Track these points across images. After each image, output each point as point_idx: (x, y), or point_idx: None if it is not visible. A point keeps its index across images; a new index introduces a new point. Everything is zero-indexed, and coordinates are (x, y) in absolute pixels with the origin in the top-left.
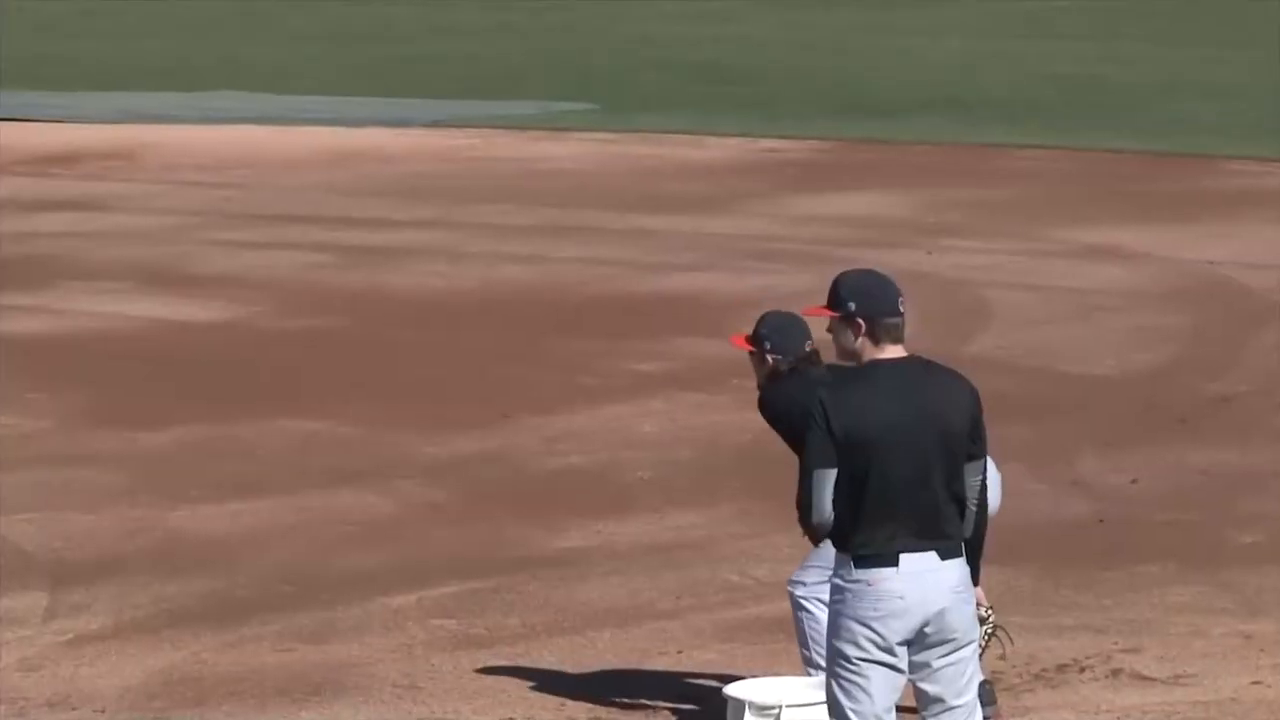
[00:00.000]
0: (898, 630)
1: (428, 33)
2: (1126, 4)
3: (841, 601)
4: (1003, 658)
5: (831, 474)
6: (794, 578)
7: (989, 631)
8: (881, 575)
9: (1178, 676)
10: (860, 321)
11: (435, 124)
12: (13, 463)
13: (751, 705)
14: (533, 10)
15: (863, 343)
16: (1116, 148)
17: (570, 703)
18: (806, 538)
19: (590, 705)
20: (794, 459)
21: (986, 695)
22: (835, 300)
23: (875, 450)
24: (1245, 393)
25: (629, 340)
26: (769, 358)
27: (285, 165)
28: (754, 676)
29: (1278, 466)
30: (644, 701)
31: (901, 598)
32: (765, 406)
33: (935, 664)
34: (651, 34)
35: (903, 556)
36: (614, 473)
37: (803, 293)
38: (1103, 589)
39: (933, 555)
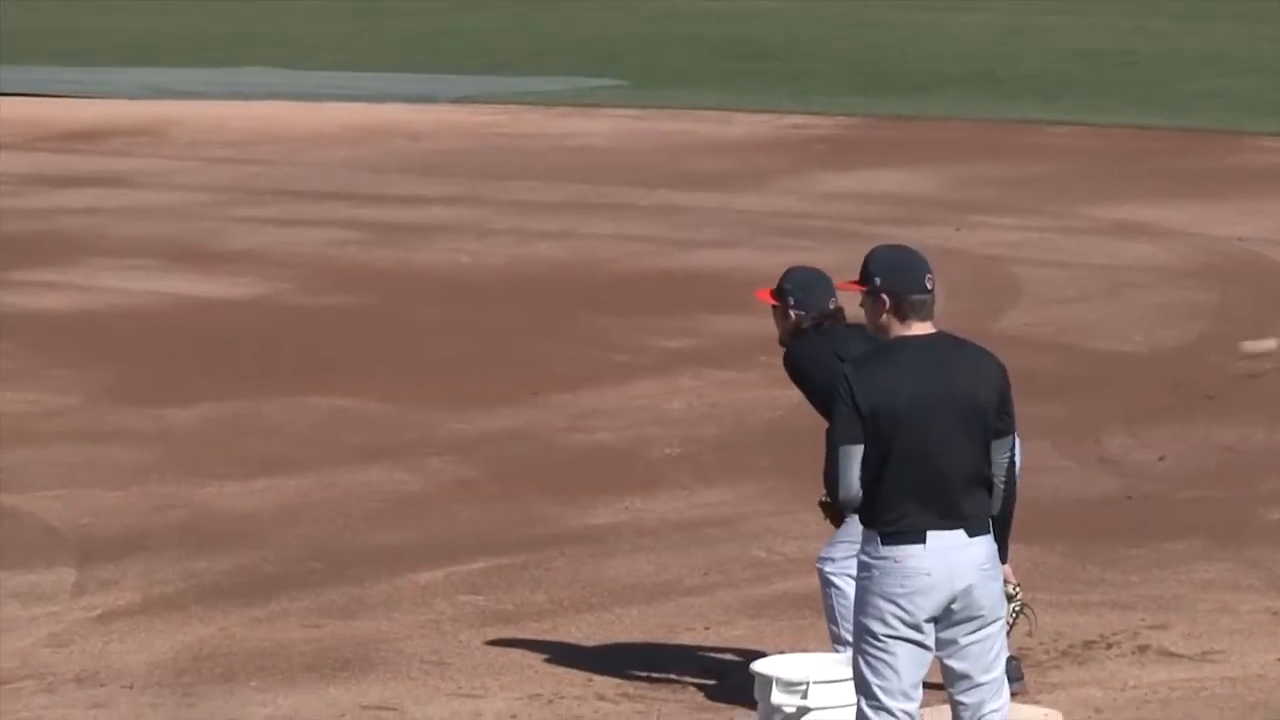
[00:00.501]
0: (925, 607)
1: (455, 8)
2: None
3: (869, 578)
4: (1030, 634)
5: (858, 450)
6: (822, 554)
7: (1016, 608)
8: (909, 552)
9: (1205, 653)
10: (885, 297)
11: (462, 100)
12: (40, 439)
13: (779, 681)
14: None
15: (888, 319)
16: (1146, 124)
17: (597, 679)
18: (827, 520)
19: (617, 681)
20: (821, 433)
21: (1013, 672)
22: (864, 275)
23: (902, 426)
24: (1273, 370)
25: (657, 317)
26: (792, 313)
27: (312, 141)
28: (781, 653)
29: None
30: (671, 677)
31: (929, 574)
32: (789, 362)
33: (962, 641)
34: (680, 9)
35: (930, 533)
36: (642, 449)
37: (830, 270)
38: (1130, 566)
39: (960, 532)
